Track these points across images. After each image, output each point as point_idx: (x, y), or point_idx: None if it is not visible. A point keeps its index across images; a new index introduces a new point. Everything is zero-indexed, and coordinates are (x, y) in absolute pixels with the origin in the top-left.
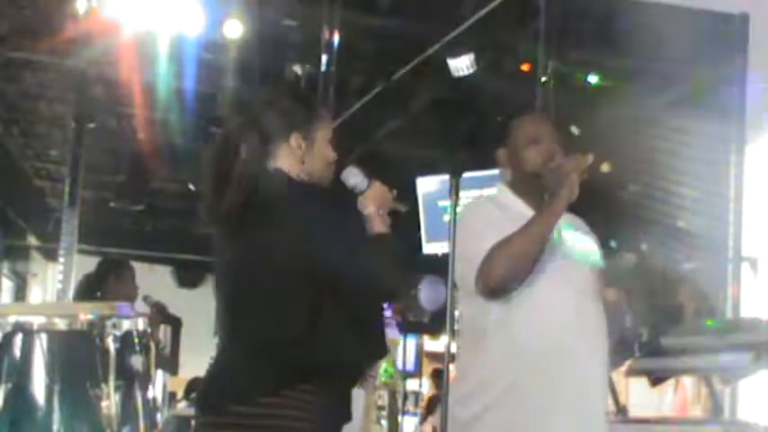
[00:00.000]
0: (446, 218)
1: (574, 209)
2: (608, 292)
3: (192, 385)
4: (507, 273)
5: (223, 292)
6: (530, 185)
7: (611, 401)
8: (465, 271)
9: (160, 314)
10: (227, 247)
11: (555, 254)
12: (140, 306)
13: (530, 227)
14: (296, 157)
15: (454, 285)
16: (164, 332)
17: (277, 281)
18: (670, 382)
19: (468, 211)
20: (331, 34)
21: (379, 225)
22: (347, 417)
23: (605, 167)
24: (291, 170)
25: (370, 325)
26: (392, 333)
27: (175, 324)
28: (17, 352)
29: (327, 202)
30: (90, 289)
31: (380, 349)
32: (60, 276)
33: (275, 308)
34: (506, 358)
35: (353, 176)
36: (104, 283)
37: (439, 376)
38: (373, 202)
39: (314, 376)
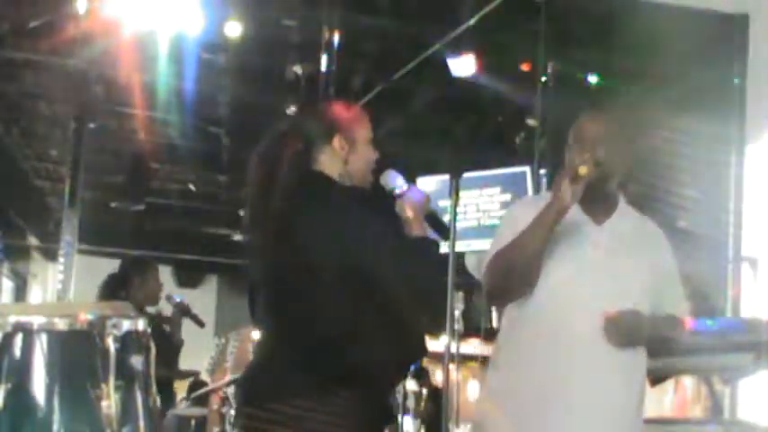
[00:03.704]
0: (446, 218)
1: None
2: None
3: (195, 386)
4: (496, 283)
5: (266, 293)
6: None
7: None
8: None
9: (183, 314)
10: (271, 249)
11: (581, 258)
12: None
13: (519, 237)
14: (339, 159)
15: (454, 285)
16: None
17: (318, 283)
18: (670, 382)
19: (511, 207)
20: (331, 34)
21: (417, 229)
22: (387, 420)
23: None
24: (334, 172)
25: (408, 327)
26: None
27: (199, 324)
28: (17, 352)
29: (369, 205)
30: (115, 289)
31: (418, 351)
32: (60, 276)
33: (315, 309)
34: (523, 359)
35: (393, 180)
36: (129, 284)
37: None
38: (411, 206)
39: (351, 378)
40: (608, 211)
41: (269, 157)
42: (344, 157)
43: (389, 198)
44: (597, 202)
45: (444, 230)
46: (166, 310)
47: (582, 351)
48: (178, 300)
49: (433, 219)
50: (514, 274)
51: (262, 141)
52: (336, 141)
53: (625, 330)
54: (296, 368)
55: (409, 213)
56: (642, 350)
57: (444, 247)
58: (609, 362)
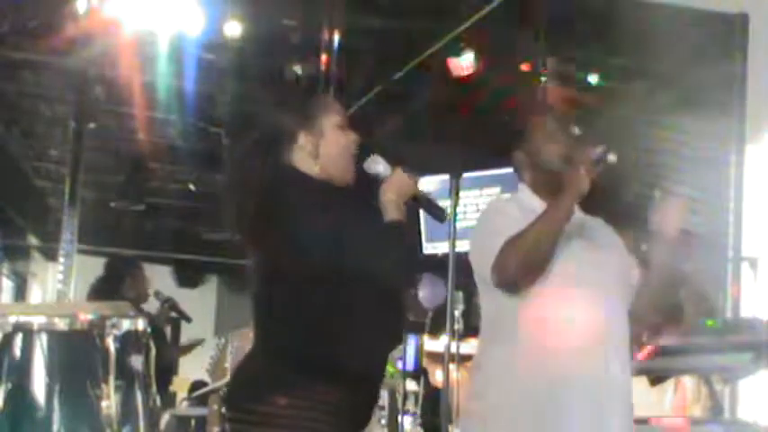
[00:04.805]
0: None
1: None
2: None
3: (196, 386)
4: (520, 265)
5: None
6: (550, 185)
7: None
8: (482, 265)
9: (172, 310)
10: (248, 249)
11: (573, 252)
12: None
13: (539, 222)
14: (310, 155)
15: (454, 285)
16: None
17: (284, 282)
18: (670, 382)
19: (490, 208)
20: (331, 34)
21: (392, 212)
22: (367, 416)
23: (612, 158)
24: (307, 167)
25: (377, 317)
26: None
27: (187, 321)
28: (17, 352)
29: (326, 195)
30: (108, 290)
31: (391, 341)
32: (60, 276)
33: (283, 310)
34: (518, 357)
35: (375, 164)
36: (121, 283)
37: None
38: (392, 188)
39: (324, 372)
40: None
41: (240, 166)
42: (314, 151)
43: (367, 186)
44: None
45: (439, 212)
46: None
47: (583, 342)
48: (167, 296)
49: (424, 201)
50: (540, 255)
51: (236, 148)
52: (302, 138)
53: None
54: (269, 366)
55: (389, 197)
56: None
57: (444, 248)
58: (608, 354)
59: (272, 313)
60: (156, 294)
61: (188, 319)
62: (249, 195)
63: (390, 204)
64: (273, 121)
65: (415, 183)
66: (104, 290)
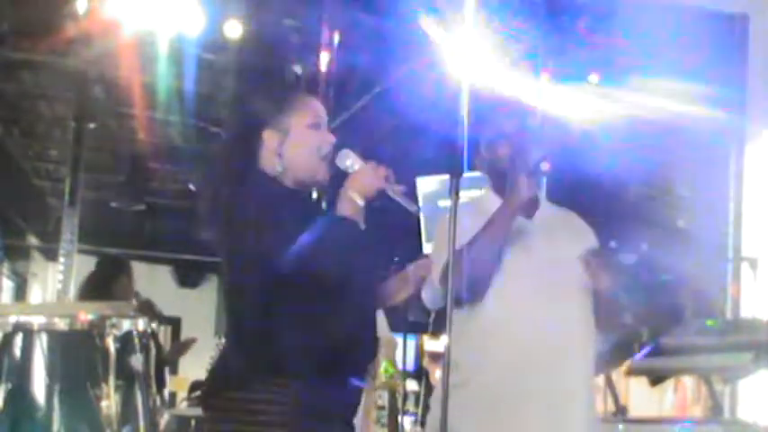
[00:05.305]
0: (446, 216)
1: (570, 205)
2: (600, 280)
3: (196, 386)
4: (463, 281)
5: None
6: (505, 187)
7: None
8: (435, 279)
9: (149, 311)
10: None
11: (524, 250)
12: None
13: (481, 235)
14: (272, 151)
15: (454, 285)
16: (163, 333)
17: (234, 279)
18: (670, 382)
19: (444, 217)
20: (331, 34)
21: (343, 207)
22: (337, 411)
23: (545, 167)
24: (270, 165)
25: (324, 314)
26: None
27: (160, 323)
28: (17, 352)
29: (276, 197)
30: (102, 289)
31: (334, 335)
32: (60, 276)
33: (236, 305)
34: (475, 356)
35: (344, 159)
36: (113, 284)
37: None
38: (352, 184)
39: (278, 368)
40: (534, 205)
41: (212, 171)
42: (277, 149)
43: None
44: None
45: (408, 210)
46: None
47: (538, 340)
48: (144, 298)
49: (393, 197)
50: (482, 271)
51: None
52: (266, 135)
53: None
54: (231, 362)
55: (346, 192)
56: (592, 339)
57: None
58: (564, 350)
59: (229, 310)
60: (136, 295)
61: (162, 321)
62: (213, 194)
63: (344, 200)
64: (240, 117)
65: (385, 178)
66: (95, 289)
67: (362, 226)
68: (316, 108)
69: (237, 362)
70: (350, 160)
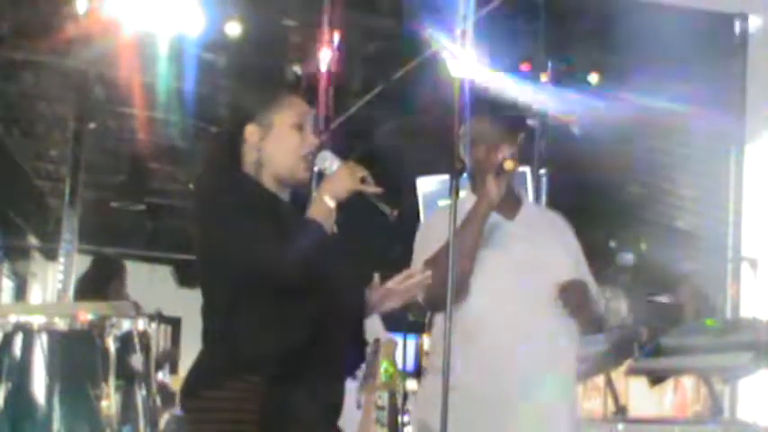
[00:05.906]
0: (446, 217)
1: (571, 206)
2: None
3: None
4: (436, 290)
5: None
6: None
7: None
8: None
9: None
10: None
11: (503, 251)
12: None
13: (455, 240)
14: (252, 147)
15: (454, 285)
16: (164, 333)
17: (204, 279)
18: (670, 382)
19: (423, 222)
20: (331, 34)
21: (313, 210)
22: (311, 411)
23: (509, 165)
24: (249, 161)
25: (289, 312)
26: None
27: (164, 322)
28: (17, 352)
29: (233, 193)
30: (94, 289)
31: (296, 335)
32: (60, 276)
33: (206, 305)
34: (456, 359)
35: (322, 160)
36: (109, 284)
37: None
38: (326, 185)
39: (246, 368)
40: (516, 206)
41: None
42: (257, 144)
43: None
44: (506, 199)
45: (383, 211)
46: None
47: (516, 342)
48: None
49: (369, 198)
50: (459, 275)
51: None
52: (248, 130)
53: (578, 297)
54: (204, 361)
55: (319, 194)
56: (574, 341)
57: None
58: (543, 352)
59: (202, 308)
60: (126, 298)
61: (162, 321)
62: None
63: (316, 201)
64: (228, 112)
65: (361, 179)
66: (90, 289)
67: (331, 228)
68: (302, 109)
69: (209, 361)
70: (328, 161)
